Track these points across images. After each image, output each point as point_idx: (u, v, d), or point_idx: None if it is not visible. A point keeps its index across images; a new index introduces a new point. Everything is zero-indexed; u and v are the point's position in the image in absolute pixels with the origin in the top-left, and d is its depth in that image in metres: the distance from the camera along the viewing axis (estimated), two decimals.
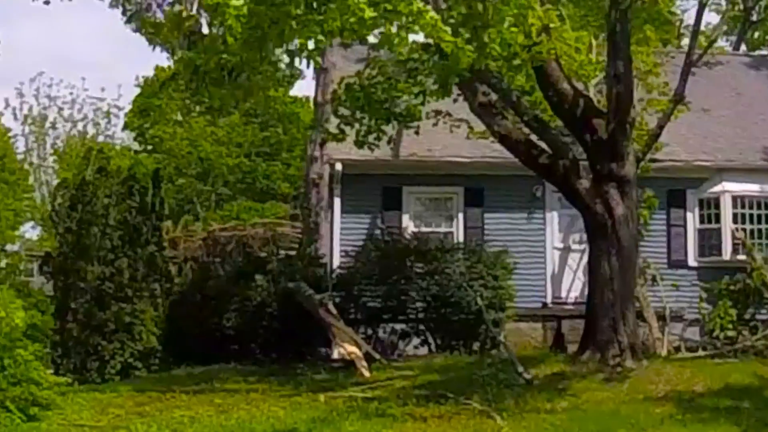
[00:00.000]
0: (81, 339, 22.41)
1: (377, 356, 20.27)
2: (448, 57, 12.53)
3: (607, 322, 18.76)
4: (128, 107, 50.63)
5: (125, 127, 50.85)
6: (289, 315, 21.69)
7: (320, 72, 31.03)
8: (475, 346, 21.50)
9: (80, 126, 49.28)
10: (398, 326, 21.60)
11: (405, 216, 23.42)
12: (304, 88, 45.95)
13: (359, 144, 20.60)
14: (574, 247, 23.69)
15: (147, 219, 34.40)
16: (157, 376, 21.67)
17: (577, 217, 23.33)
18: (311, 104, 48.25)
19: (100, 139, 49.22)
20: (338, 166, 23.10)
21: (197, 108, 47.30)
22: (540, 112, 20.05)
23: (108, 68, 68.97)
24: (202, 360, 21.70)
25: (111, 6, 21.21)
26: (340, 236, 23.22)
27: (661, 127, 20.57)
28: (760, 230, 24.42)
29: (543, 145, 19.33)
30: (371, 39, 14.32)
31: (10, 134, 48.29)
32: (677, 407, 16.30)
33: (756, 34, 39.75)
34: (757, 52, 37.28)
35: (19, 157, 48.59)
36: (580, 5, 23.90)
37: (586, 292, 22.66)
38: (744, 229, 24.13)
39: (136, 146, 48.95)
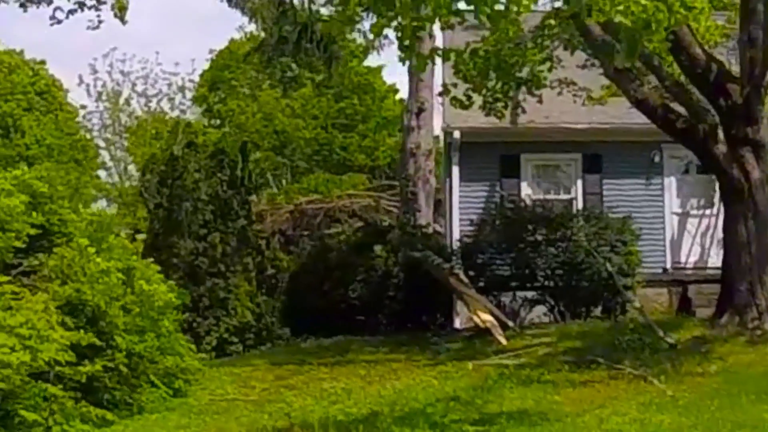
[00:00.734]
0: None
1: (510, 324, 20.21)
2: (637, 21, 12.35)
3: (745, 286, 18.69)
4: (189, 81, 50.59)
5: (194, 102, 50.87)
6: (414, 285, 21.71)
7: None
8: (597, 312, 21.41)
9: (154, 102, 49.29)
10: (524, 294, 21.50)
11: (523, 183, 23.34)
12: (376, 59, 45.24)
13: (486, 110, 20.60)
14: (693, 212, 23.56)
15: (237, 193, 34.62)
16: (286, 349, 21.78)
17: (694, 183, 23.36)
18: (382, 74, 48.42)
19: (175, 114, 49.26)
20: (456, 135, 23.04)
21: (267, 81, 47.63)
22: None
23: (169, 45, 69.05)
24: (324, 332, 21.73)
25: None
26: (459, 205, 23.14)
27: None
28: None
29: (679, 109, 19.23)
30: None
31: (85, 111, 48.45)
32: None
33: None
34: None
35: (94, 134, 48.74)
36: None
37: (705, 257, 22.68)
38: None
39: (204, 121, 48.96)
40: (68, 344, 14.14)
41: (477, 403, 15.19)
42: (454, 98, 20.30)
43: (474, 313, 20.09)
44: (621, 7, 12.00)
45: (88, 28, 17.15)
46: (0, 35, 47.76)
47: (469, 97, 20.22)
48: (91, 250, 15.61)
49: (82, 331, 14.91)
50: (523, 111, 20.63)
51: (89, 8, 14.75)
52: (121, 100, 48.25)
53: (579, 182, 23.43)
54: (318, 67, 44.15)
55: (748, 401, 13.99)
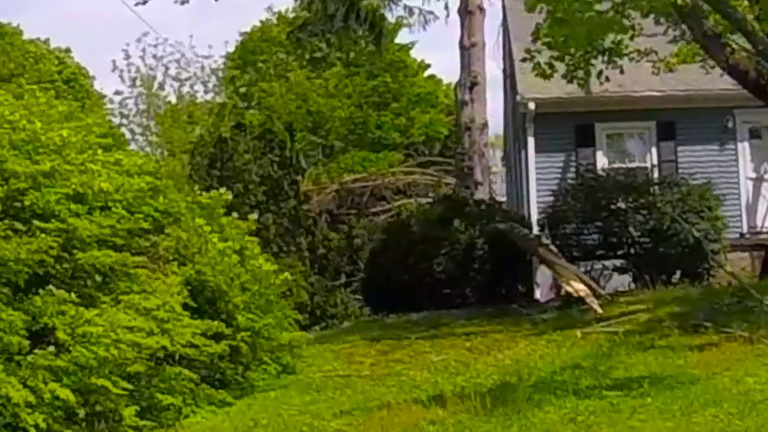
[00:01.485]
0: None
1: (602, 292, 20.29)
2: None
3: None
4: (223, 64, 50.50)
5: (222, 84, 50.82)
6: (498, 257, 21.79)
7: (465, 16, 30.95)
8: (681, 278, 21.50)
9: (187, 86, 49.23)
10: (611, 262, 21.58)
11: (598, 153, 23.43)
12: (406, 36, 45.07)
13: (568, 78, 20.63)
14: (767, 176, 23.62)
15: (287, 173, 34.79)
16: (374, 326, 21.82)
17: (767, 147, 23.44)
18: (411, 52, 48.35)
19: (209, 96, 49.22)
20: (531, 106, 23.10)
21: (295, 62, 47.61)
22: None
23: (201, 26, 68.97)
24: (407, 308, 21.75)
25: None
26: (535, 175, 23.21)
27: None
28: None
29: None
30: None
31: (120, 97, 48.36)
32: None
33: None
34: None
35: (131, 119, 48.67)
36: None
37: None
38: None
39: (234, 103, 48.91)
40: (202, 329, 14.21)
41: (601, 370, 15.24)
42: (537, 65, 20.29)
43: (566, 282, 20.14)
44: None
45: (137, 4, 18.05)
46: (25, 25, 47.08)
47: (551, 65, 20.24)
48: (207, 228, 15.66)
49: (205, 315, 14.97)
50: (607, 79, 20.63)
51: None
52: (155, 85, 48.16)
53: (653, 150, 23.52)
54: (349, 46, 44.34)
55: None
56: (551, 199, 22.92)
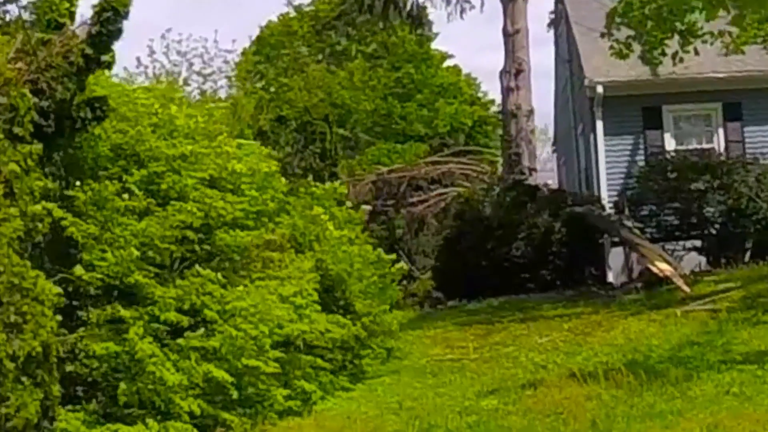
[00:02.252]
0: None
1: (686, 272, 20.35)
2: None
3: None
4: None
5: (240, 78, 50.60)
6: (576, 240, 21.85)
7: (508, 2, 30.97)
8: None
9: (210, 81, 49.02)
10: (691, 243, 21.66)
11: (666, 135, 23.50)
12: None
13: (645, 60, 20.66)
14: None
15: (327, 165, 34.71)
16: (455, 312, 21.80)
17: None
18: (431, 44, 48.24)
19: (233, 92, 48.98)
20: (599, 89, 23.15)
21: (311, 57, 47.50)
22: None
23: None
24: (483, 294, 21.75)
25: None
26: (605, 158, 23.24)
27: None
28: None
29: None
30: None
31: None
32: None
33: None
34: None
35: None
36: None
37: None
38: None
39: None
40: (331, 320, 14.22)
41: (719, 345, 15.27)
42: (614, 44, 20.29)
43: (651, 263, 20.22)
44: None
45: None
46: None
47: (628, 45, 20.26)
48: (325, 217, 15.65)
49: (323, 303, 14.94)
50: (681, 60, 20.67)
51: None
52: (180, 81, 47.90)
53: (720, 131, 23.58)
54: (373, 38, 44.31)
55: None
56: (621, 182, 22.98)
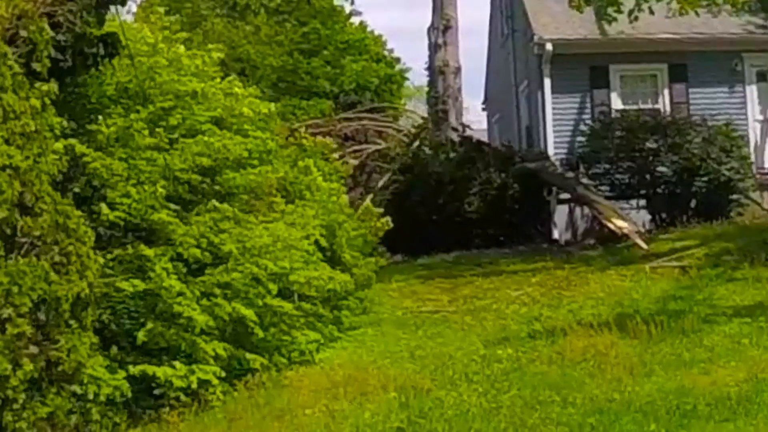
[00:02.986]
0: None
1: (642, 230, 20.49)
2: None
3: None
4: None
5: None
6: (528, 196, 21.82)
7: None
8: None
9: None
10: (642, 201, 21.82)
11: (613, 94, 23.58)
12: None
13: (600, 16, 20.83)
14: None
15: None
16: (408, 267, 21.51)
17: None
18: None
19: None
20: (548, 47, 23.08)
21: (212, 9, 46.62)
22: None
23: None
24: (432, 249, 21.52)
25: None
26: (552, 116, 23.25)
27: None
28: None
29: None
30: None
31: None
32: None
33: None
34: None
35: None
36: None
37: None
38: None
39: None
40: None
41: (703, 300, 15.41)
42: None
43: (608, 220, 20.29)
44: None
45: None
46: None
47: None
48: (314, 169, 15.29)
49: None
50: (636, 19, 20.75)
51: None
52: None
53: (666, 92, 23.75)
54: None
55: None
56: (568, 139, 23.03)
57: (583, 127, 22.78)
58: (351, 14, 47.65)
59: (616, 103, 23.54)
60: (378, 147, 32.60)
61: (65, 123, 10.81)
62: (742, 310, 14.41)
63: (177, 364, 10.73)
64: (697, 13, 21.59)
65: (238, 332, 11.56)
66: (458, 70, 30.52)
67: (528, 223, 22.10)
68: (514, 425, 9.06)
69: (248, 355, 11.43)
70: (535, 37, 23.30)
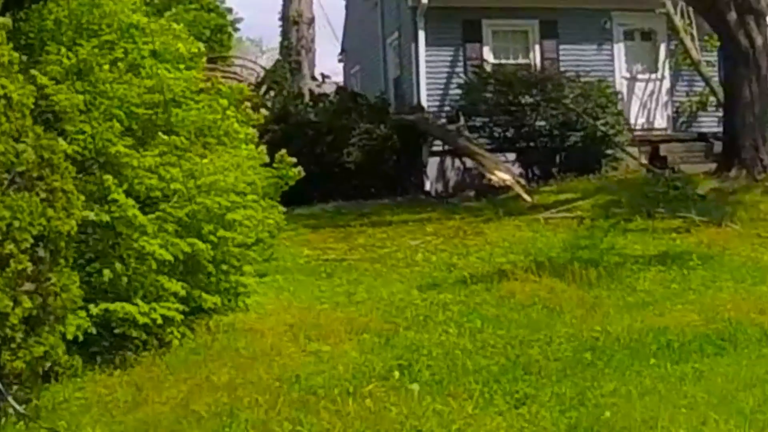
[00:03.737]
0: None
1: (523, 182, 20.78)
2: None
3: (749, 143, 20.21)
4: None
5: None
6: (406, 148, 21.86)
7: None
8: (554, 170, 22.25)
9: None
10: (517, 156, 22.11)
11: (485, 48, 23.77)
12: None
13: None
14: (639, 76, 24.74)
15: None
16: (290, 216, 21.14)
17: (639, 49, 24.63)
18: None
19: None
20: (423, 0, 23.08)
21: None
22: None
23: None
24: (312, 200, 21.35)
25: None
26: (426, 69, 23.30)
27: None
28: None
29: None
30: None
31: None
32: None
33: None
34: None
35: None
36: None
37: (652, 119, 24.06)
38: None
39: None
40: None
41: (608, 250, 15.69)
42: None
43: (491, 172, 20.50)
44: None
45: None
46: None
47: None
48: (231, 111, 14.84)
49: None
50: None
51: None
52: None
53: (537, 47, 24.08)
54: None
55: None
56: (441, 92, 23.16)
57: (458, 81, 22.87)
58: None
59: (489, 58, 23.73)
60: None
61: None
62: (652, 259, 14.67)
63: (138, 301, 10.28)
64: None
65: (188, 271, 11.15)
66: (312, 21, 30.49)
67: (404, 175, 22.12)
68: (518, 361, 9.02)
69: (204, 295, 11.03)
70: None
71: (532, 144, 21.91)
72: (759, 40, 20.12)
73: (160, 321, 10.14)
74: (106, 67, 10.79)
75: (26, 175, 8.47)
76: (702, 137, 23.51)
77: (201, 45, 13.87)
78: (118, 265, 10.11)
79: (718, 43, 23.25)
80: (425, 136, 21.94)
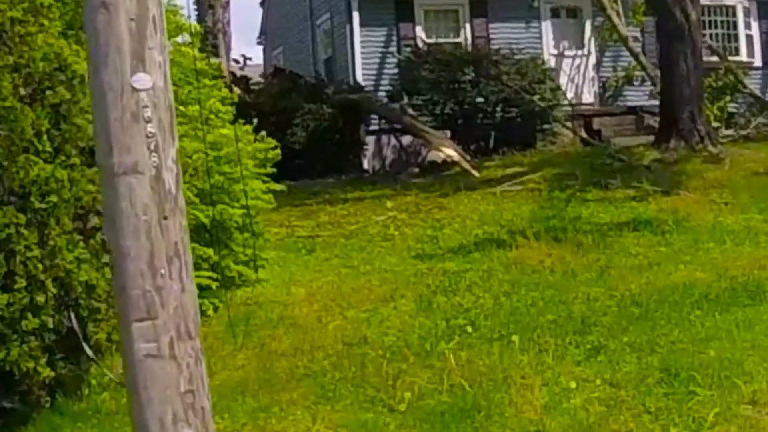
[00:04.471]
0: None
1: (468, 158, 21.09)
2: None
3: (687, 114, 20.84)
4: None
5: None
6: (348, 127, 22.03)
7: None
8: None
9: None
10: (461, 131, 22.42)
11: (418, 27, 23.96)
12: None
13: None
14: (567, 53, 25.20)
15: None
16: None
17: (565, 26, 25.18)
18: None
19: None
20: None
21: None
22: None
23: None
24: None
25: None
26: (360, 49, 23.46)
27: None
28: None
29: None
30: None
31: None
32: None
33: None
34: None
35: None
36: None
37: (580, 93, 24.62)
38: None
39: None
40: None
41: (575, 219, 16.06)
42: None
43: (436, 148, 20.78)
44: None
45: None
46: None
47: None
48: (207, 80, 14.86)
49: None
50: None
51: None
52: None
53: (467, 26, 24.36)
54: None
55: None
56: (375, 72, 23.35)
57: (393, 60, 23.09)
58: None
59: (422, 36, 23.96)
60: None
61: None
62: (623, 226, 15.05)
63: None
64: None
65: (213, 240, 11.20)
66: (227, 4, 30.20)
67: (346, 154, 22.26)
68: (572, 317, 9.29)
69: (232, 265, 11.10)
70: None
71: (472, 121, 22.17)
72: (693, 15, 20.74)
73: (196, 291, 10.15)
74: None
75: None
76: (632, 110, 24.09)
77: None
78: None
79: (643, 19, 23.86)
80: (366, 115, 22.07)
